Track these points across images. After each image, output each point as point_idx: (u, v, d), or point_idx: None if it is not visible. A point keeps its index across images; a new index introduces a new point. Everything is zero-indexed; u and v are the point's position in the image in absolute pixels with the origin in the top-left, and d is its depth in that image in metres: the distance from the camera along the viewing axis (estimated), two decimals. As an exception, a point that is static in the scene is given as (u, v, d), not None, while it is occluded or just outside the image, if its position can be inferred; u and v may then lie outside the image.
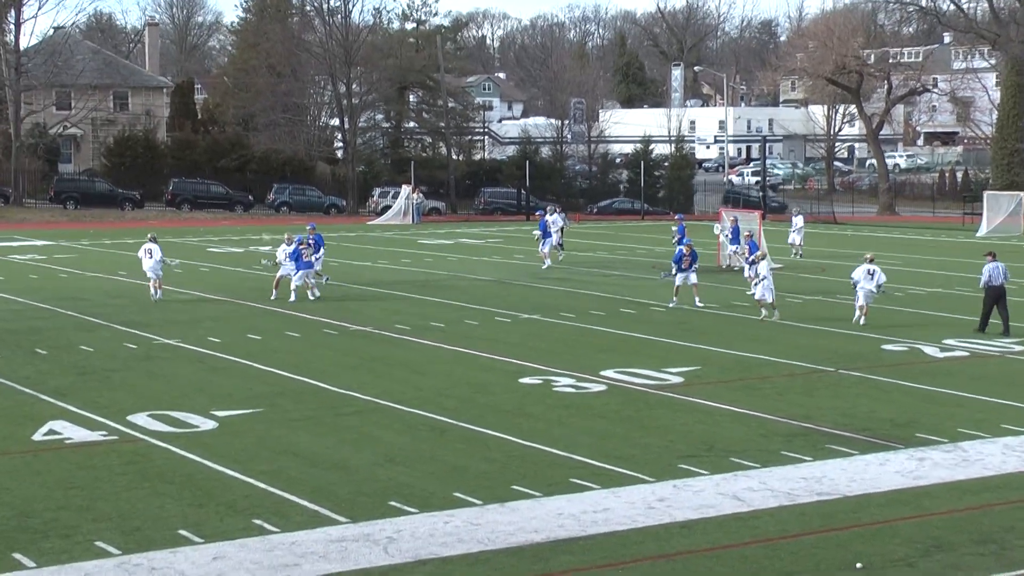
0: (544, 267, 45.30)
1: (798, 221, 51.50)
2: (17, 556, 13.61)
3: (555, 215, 49.44)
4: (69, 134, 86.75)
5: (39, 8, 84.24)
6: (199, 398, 21.98)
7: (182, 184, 79.37)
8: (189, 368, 25.02)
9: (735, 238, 46.20)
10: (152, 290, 35.34)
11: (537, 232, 46.94)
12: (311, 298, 35.09)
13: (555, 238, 47.27)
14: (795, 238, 51.02)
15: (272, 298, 35.06)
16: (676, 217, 49.80)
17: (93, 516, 15.06)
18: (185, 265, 45.44)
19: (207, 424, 19.93)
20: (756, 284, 32.62)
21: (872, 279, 31.58)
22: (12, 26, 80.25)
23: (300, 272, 35.02)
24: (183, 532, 14.44)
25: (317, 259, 36.83)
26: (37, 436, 19.04)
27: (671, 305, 34.39)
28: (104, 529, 14.55)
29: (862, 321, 31.40)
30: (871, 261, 32.02)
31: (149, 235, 36.70)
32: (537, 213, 51.14)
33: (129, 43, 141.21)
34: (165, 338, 28.55)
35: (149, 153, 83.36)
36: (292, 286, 34.98)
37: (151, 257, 35.32)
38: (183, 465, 17.42)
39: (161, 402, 21.58)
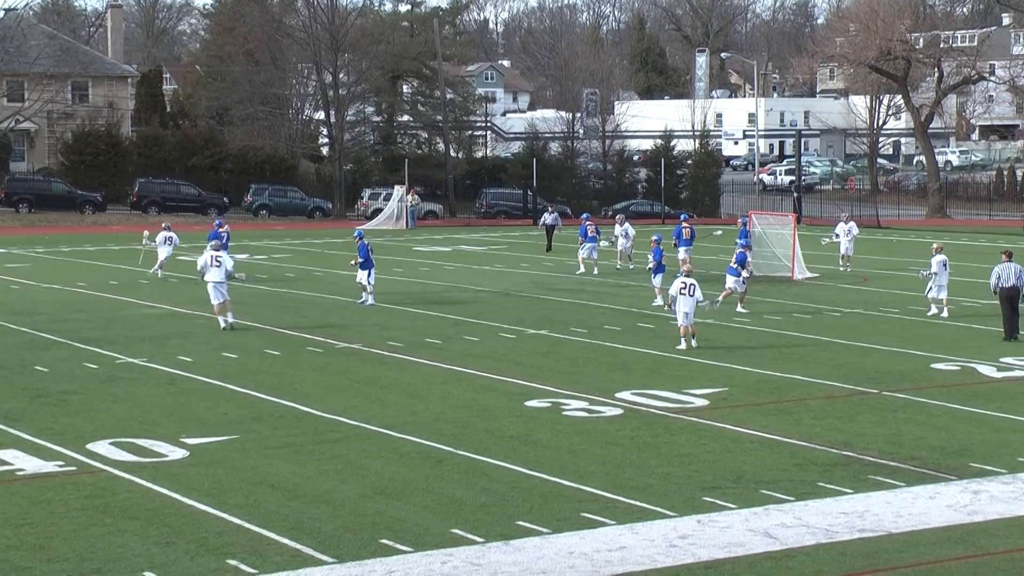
0: (579, 272, 46.76)
1: (850, 228, 49.95)
2: (-37, 600, 13.63)
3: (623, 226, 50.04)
4: (22, 128, 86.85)
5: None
6: (168, 424, 21.98)
7: (149, 185, 79.49)
8: (157, 390, 25.03)
9: (745, 241, 46.44)
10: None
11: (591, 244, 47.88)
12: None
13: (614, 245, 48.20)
14: (848, 248, 49.37)
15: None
16: (740, 220, 49.66)
17: (48, 556, 15.06)
18: (153, 275, 45.51)
19: (176, 453, 19.92)
20: (923, 277, 35.91)
21: (946, 270, 35.19)
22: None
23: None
24: (148, 574, 14.44)
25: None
26: (-14, 466, 19.09)
27: (741, 310, 36.07)
28: (60, 571, 14.55)
29: (944, 313, 35.17)
30: (942, 251, 35.62)
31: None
32: (583, 217, 51.87)
33: (89, 27, 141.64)
34: (130, 356, 28.57)
35: (112, 150, 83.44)
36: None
37: (219, 267, 32.79)
38: (149, 499, 17.42)
39: (125, 429, 21.58)
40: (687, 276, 30.29)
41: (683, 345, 29.97)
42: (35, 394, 24.50)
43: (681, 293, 29.89)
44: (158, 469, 18.94)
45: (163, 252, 45.27)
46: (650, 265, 37.83)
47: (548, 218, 58.49)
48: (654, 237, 39.92)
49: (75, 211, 77.01)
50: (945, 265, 35.41)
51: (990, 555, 15.37)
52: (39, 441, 20.60)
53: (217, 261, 32.68)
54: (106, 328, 32.91)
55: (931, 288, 35.75)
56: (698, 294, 29.88)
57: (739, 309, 36.03)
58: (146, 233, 47.77)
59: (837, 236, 50.22)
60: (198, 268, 33.63)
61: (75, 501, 17.30)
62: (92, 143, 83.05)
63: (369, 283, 37.59)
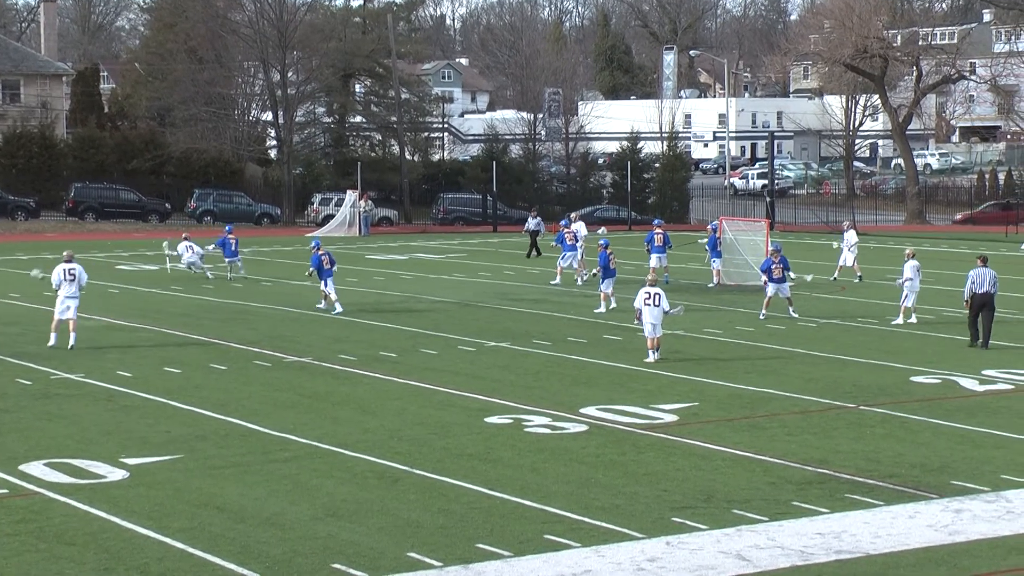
0: (555, 282, 46.32)
1: (850, 237, 49.41)
2: None
3: (577, 223, 49.91)
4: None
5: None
6: (106, 443, 21.89)
7: (86, 190, 79.11)
8: (94, 407, 24.93)
9: (714, 251, 46.60)
10: (54, 336, 32.32)
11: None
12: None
13: (579, 252, 47.45)
14: (848, 258, 48.91)
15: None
16: (709, 227, 49.68)
17: (-21, 583, 15.01)
18: (91, 285, 45.27)
19: (116, 474, 19.85)
20: (899, 284, 36.66)
21: (918, 275, 36.33)
22: None
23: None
24: (86, 602, 14.39)
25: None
26: (-88, 489, 18.97)
27: (761, 317, 37.24)
28: (-8, 599, 14.50)
29: (912, 319, 36.26)
30: (914, 256, 36.79)
31: (65, 252, 33.42)
32: (561, 224, 51.90)
33: (21, 22, 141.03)
34: (66, 372, 28.45)
35: (46, 153, 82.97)
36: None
37: (73, 281, 31.95)
38: (87, 523, 17.34)
39: (61, 448, 21.47)
40: (651, 286, 30.40)
41: (651, 358, 30.07)
42: (-35, 412, 24.38)
43: (646, 304, 29.98)
44: (96, 491, 18.86)
45: (188, 256, 47.87)
46: (595, 271, 38.34)
47: (532, 223, 58.53)
48: (601, 242, 41.16)
49: (6, 217, 76.51)
50: (918, 270, 36.52)
51: (973, 577, 15.49)
52: (-31, 462, 20.51)
53: (71, 275, 31.97)
54: (41, 343, 32.71)
55: (907, 296, 36.43)
56: (664, 304, 29.93)
57: (791, 313, 37.62)
58: (166, 243, 51.12)
59: (843, 246, 49.97)
60: (53, 282, 32.31)
61: (7, 526, 17.20)
62: (24, 145, 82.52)
63: (328, 291, 38.60)
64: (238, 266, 47.95)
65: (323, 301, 39.11)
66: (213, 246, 49.03)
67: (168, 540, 16.57)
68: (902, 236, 73.49)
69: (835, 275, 48.82)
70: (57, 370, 28.69)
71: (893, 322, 36.49)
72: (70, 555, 16.04)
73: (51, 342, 31.91)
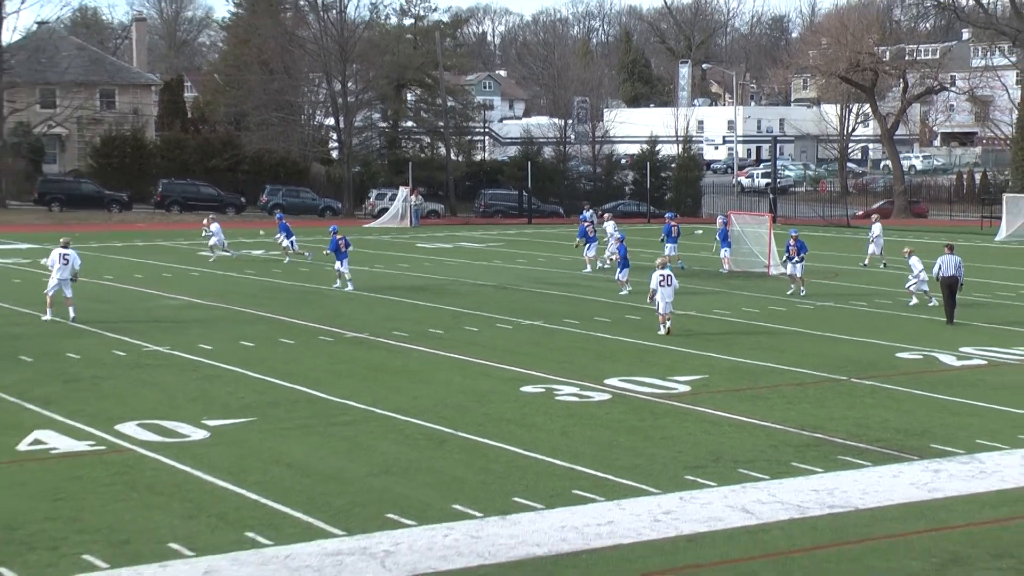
0: (587, 271, 45.71)
1: (876, 228, 48.90)
2: (2, 570, 13.68)
3: (610, 222, 49.54)
4: (54, 133, 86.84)
5: (22, 2, 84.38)
6: (190, 407, 22.01)
7: (171, 185, 79.44)
8: (180, 376, 25.06)
9: (725, 241, 46.43)
10: (49, 312, 32.18)
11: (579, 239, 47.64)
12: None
13: (612, 245, 46.88)
14: (873, 248, 48.41)
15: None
16: (719, 220, 49.18)
17: (80, 528, 15.11)
18: (175, 269, 45.61)
19: (198, 433, 19.96)
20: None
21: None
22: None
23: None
24: (173, 545, 14.47)
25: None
26: (22, 446, 19.08)
27: (803, 293, 38.64)
28: (91, 542, 14.59)
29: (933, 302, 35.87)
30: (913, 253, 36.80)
31: (62, 239, 33.35)
32: (581, 218, 51.59)
33: (116, 39, 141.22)
34: (155, 345, 28.59)
35: (137, 153, 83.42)
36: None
37: (66, 265, 32.01)
38: (173, 476, 17.46)
39: (151, 411, 21.60)
40: (662, 268, 30.89)
41: (662, 331, 30.37)
42: (68, 379, 24.53)
43: (660, 285, 30.54)
44: (181, 448, 18.98)
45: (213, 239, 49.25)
46: (608, 260, 38.58)
47: (586, 214, 53.62)
48: (618, 235, 42.02)
49: (103, 210, 76.90)
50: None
51: (949, 529, 15.44)
52: (71, 422, 20.63)
53: (64, 259, 31.98)
54: (133, 318, 32.93)
55: (920, 283, 36.34)
56: (675, 283, 30.95)
57: (797, 290, 38.84)
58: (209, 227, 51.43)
59: (871, 236, 49.53)
60: (48, 263, 32.51)
61: (105, 478, 17.34)
62: (119, 147, 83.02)
63: (344, 271, 39.54)
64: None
65: (338, 281, 39.70)
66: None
67: (244, 491, 16.66)
68: (890, 229, 72.93)
69: (865, 261, 48.56)
70: (148, 343, 28.83)
71: (910, 304, 36.47)
72: (159, 503, 16.15)
73: (46, 316, 32.07)
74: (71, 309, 32.02)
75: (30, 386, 23.68)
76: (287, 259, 48.81)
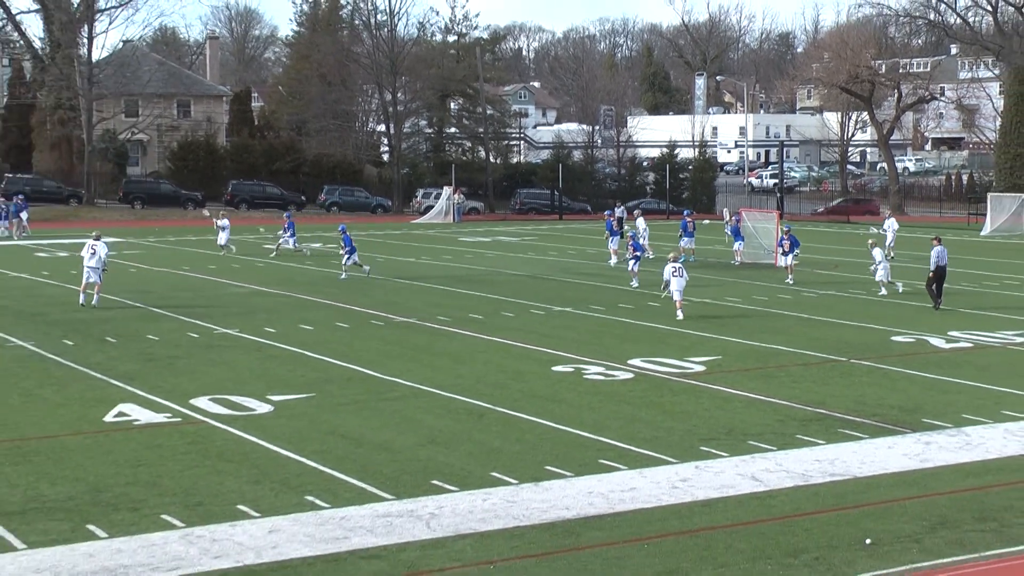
0: (612, 262, 44.96)
1: (891, 223, 48.29)
2: (91, 527, 13.78)
3: (640, 219, 48.50)
4: (136, 139, 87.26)
5: (110, 23, 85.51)
6: (256, 384, 22.09)
7: (240, 185, 79.68)
8: (247, 356, 25.14)
9: (737, 236, 46.21)
10: (82, 296, 31.87)
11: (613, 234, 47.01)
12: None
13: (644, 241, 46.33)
14: (889, 237, 47.85)
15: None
16: (733, 217, 48.87)
17: (159, 491, 15.19)
18: (241, 260, 45.75)
19: (263, 408, 20.02)
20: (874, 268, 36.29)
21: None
22: (85, 40, 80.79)
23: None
24: (241, 507, 14.53)
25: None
26: (108, 418, 19.20)
27: (788, 281, 38.64)
28: (169, 503, 14.67)
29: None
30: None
31: (94, 233, 33.31)
32: (606, 213, 51.18)
33: (191, 55, 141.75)
34: (225, 328, 28.70)
35: (210, 157, 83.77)
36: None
37: (94, 255, 31.89)
38: (241, 445, 17.52)
39: (221, 387, 21.69)
40: (674, 261, 31.23)
41: (680, 316, 30.27)
42: (148, 358, 24.66)
43: (674, 275, 30.82)
44: (248, 421, 19.04)
45: (222, 237, 48.61)
46: (636, 252, 38.76)
47: (618, 211, 53.91)
48: (630, 233, 42.14)
49: (180, 207, 77.22)
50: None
51: (937, 495, 15.34)
52: (151, 397, 20.73)
53: (92, 250, 31.92)
54: (206, 304, 33.05)
55: (884, 272, 36.15)
56: (686, 275, 31.25)
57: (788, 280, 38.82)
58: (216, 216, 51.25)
59: (885, 230, 49.26)
60: (82, 255, 32.45)
61: (181, 446, 17.42)
62: (194, 151, 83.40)
63: (347, 263, 39.78)
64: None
65: (366, 267, 40.46)
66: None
67: (304, 459, 16.70)
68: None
69: (891, 254, 48.04)
70: (218, 326, 28.94)
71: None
72: (229, 469, 16.21)
73: (81, 300, 31.98)
74: (96, 296, 31.91)
75: (115, 364, 23.82)
76: (273, 254, 47.16)
